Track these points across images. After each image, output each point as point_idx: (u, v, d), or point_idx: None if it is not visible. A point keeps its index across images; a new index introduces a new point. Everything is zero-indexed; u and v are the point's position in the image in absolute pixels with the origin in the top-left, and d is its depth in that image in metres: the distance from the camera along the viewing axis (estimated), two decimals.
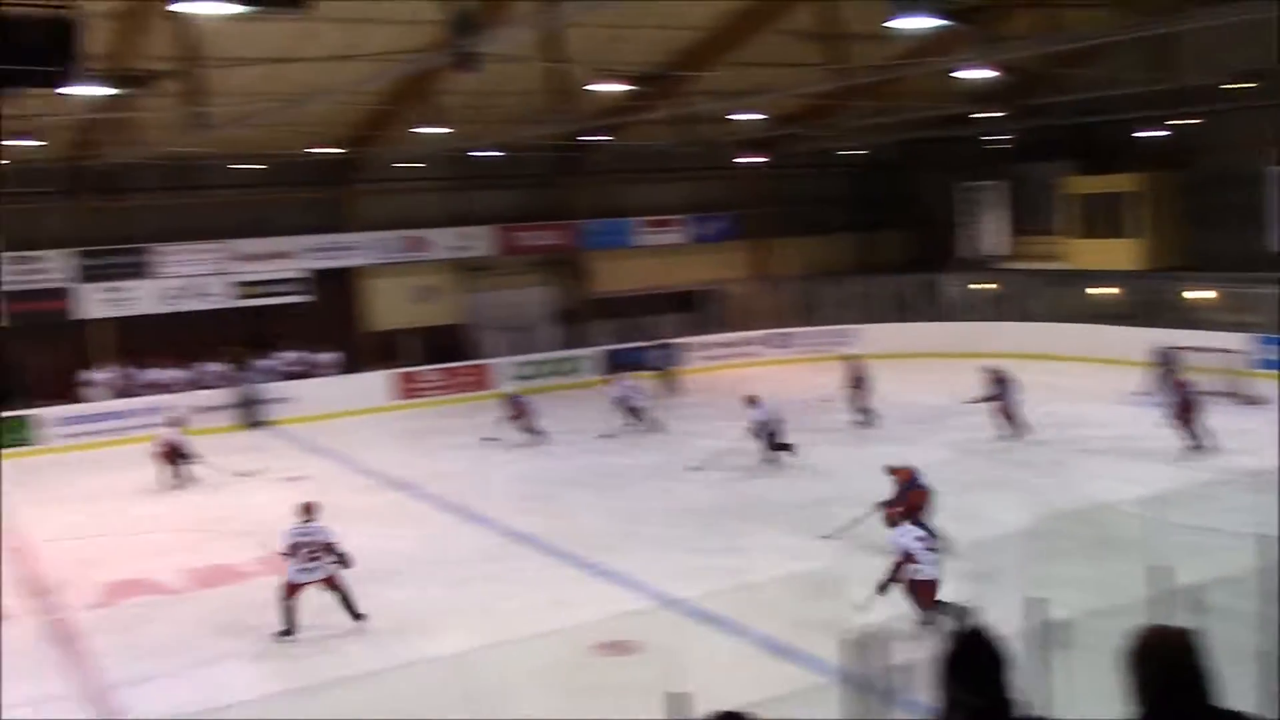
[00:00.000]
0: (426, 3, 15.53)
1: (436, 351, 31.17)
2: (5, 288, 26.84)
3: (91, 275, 27.87)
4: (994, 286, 32.97)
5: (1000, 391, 20.92)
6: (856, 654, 7.32)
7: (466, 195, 32.79)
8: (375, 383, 29.21)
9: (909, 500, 13.59)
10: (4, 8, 10.54)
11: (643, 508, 17.78)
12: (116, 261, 28.17)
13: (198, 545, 16.69)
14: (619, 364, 30.34)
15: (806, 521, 15.77)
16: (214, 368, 27.99)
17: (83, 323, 28.07)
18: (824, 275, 34.64)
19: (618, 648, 11.48)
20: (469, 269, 33.11)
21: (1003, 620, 4.95)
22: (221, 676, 11.74)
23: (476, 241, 32.56)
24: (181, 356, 27.97)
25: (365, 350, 31.09)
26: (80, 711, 11.08)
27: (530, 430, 23.19)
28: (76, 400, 26.82)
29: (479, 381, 29.44)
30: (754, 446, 19.78)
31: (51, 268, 27.52)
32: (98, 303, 27.98)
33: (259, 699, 10.77)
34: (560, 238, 33.88)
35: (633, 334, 32.15)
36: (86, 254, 27.90)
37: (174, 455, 21.19)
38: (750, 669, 11.08)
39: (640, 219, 35.00)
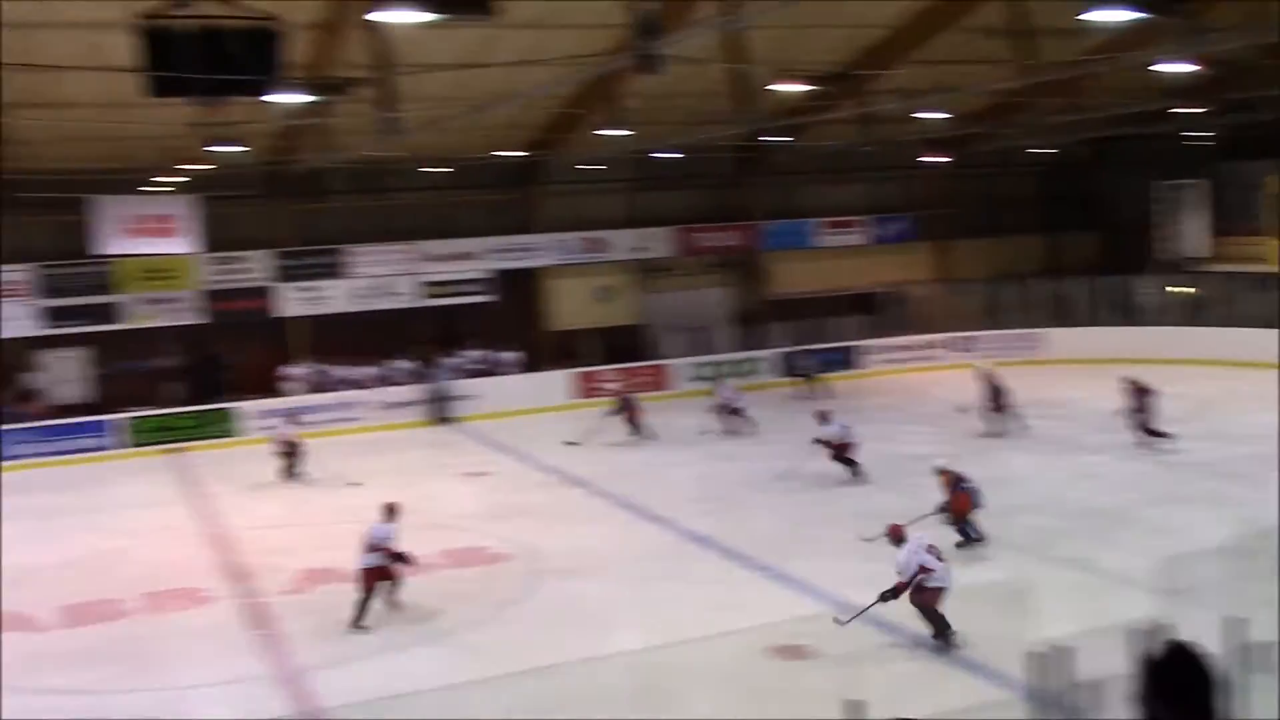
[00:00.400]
0: (610, 5, 15.70)
1: (615, 351, 31.51)
2: (211, 287, 28.30)
3: (289, 275, 29.11)
4: (1192, 290, 31.53)
5: (1139, 403, 20.31)
6: (1041, 669, 7.08)
7: (646, 196, 33.07)
8: (555, 381, 29.68)
9: (956, 503, 14.67)
10: (212, 20, 11.07)
11: (821, 511, 17.59)
12: (312, 262, 29.36)
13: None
14: (791, 366, 30.21)
15: (991, 530, 15.36)
16: (402, 365, 28.88)
17: (281, 320, 29.34)
18: (1008, 278, 33.68)
19: (792, 652, 11.39)
20: (648, 270, 33.38)
21: (1199, 640, 4.72)
22: (407, 663, 12.10)
23: (655, 243, 32.78)
24: (372, 354, 28.95)
25: (546, 349, 31.66)
26: (274, 692, 11.55)
27: (636, 428, 23.85)
28: (274, 394, 28.02)
29: (656, 382, 29.60)
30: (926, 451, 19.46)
31: (252, 268, 28.85)
32: (294, 301, 29.21)
33: (443, 687, 11.06)
34: (739, 239, 33.83)
35: (811, 336, 31.89)
36: (284, 255, 29.17)
37: (291, 453, 21.98)
38: (928, 680, 10.85)
39: (820, 220, 34.68)
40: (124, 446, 25.87)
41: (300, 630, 13.34)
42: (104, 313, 27.52)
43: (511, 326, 30.96)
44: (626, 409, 24.29)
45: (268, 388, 28.21)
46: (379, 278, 29.85)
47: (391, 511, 13.96)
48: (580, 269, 32.27)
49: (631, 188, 32.87)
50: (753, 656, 11.29)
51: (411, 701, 10.64)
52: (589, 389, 29.77)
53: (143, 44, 10.94)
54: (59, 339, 27.62)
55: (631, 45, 13.58)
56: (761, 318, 33.58)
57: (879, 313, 33.62)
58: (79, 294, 27.30)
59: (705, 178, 33.15)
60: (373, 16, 13.76)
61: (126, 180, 26.28)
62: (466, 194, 31.13)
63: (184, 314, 28.24)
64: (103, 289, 27.46)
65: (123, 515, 19.82)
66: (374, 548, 13.54)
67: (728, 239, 33.75)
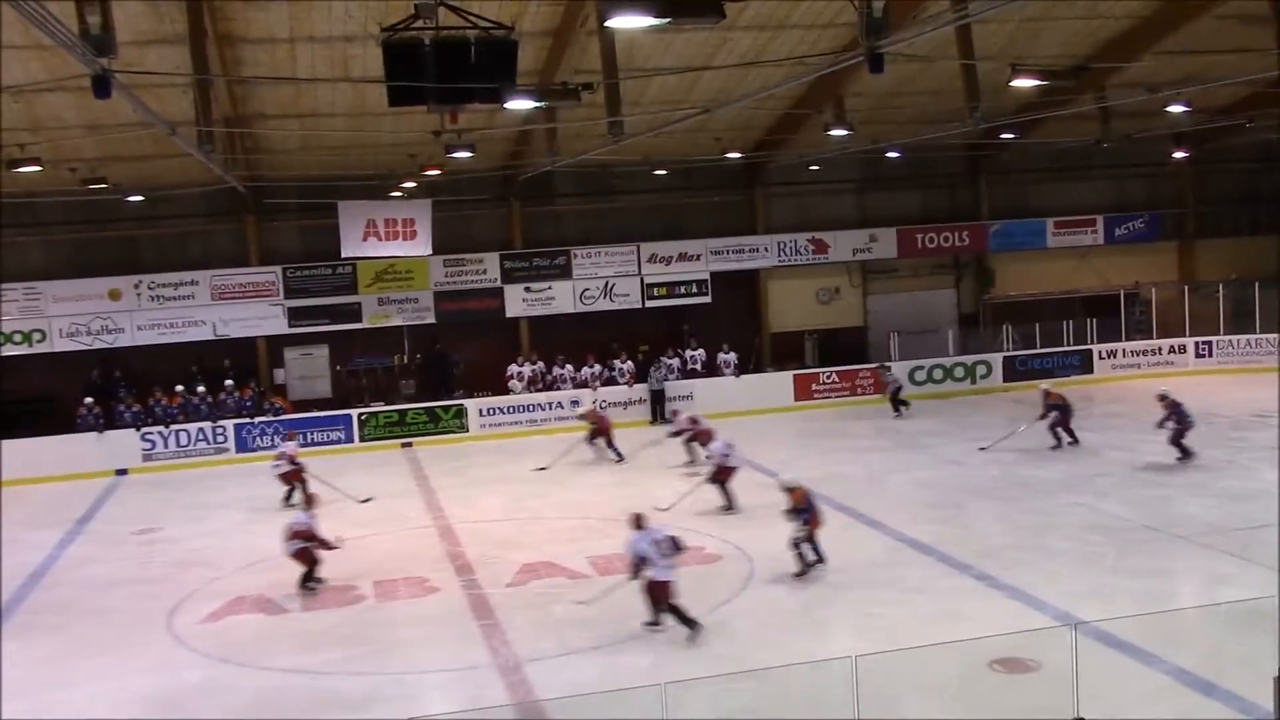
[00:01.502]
0: (837, 5, 15.55)
1: (836, 353, 31.17)
2: (443, 288, 29.39)
3: (517, 276, 29.95)
4: None
5: (1172, 417, 19.93)
6: None
7: (872, 196, 32.61)
8: (776, 383, 29.58)
9: (814, 522, 14.86)
10: (451, 31, 11.48)
11: (1049, 521, 16.95)
12: (539, 263, 30.11)
13: (605, 534, 17.50)
14: (1021, 371, 29.28)
15: (1232, 546, 14.50)
16: (624, 365, 29.30)
17: (509, 320, 30.21)
18: (1258, 280, 31.70)
19: (1015, 666, 11.02)
20: (872, 271, 32.89)
21: None
22: (623, 660, 12.26)
23: (880, 243, 32.25)
24: (595, 354, 29.48)
25: (767, 351, 31.60)
26: (496, 682, 11.88)
27: (611, 446, 23.55)
28: (501, 392, 28.87)
29: (879, 385, 29.12)
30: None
31: (484, 269, 29.81)
32: (522, 302, 30.03)
33: (658, 685, 11.15)
34: (967, 239, 32.94)
35: (1041, 340, 30.83)
36: (513, 256, 30.03)
37: None
38: (1163, 702, 10.32)
39: (1052, 219, 33.43)
40: (360, 440, 27.14)
41: (520, 623, 13.69)
42: (346, 312, 28.95)
43: (733, 327, 31.02)
44: (600, 430, 23.91)
45: (495, 386, 29.09)
46: (604, 279, 30.39)
47: (310, 502, 16.66)
48: (803, 270, 32.05)
49: (857, 188, 32.48)
50: (975, 669, 10.97)
51: (627, 698, 10.76)
52: (809, 391, 29.55)
53: (386, 55, 11.44)
54: (303, 337, 29.20)
55: (858, 43, 13.40)
56: (988, 320, 32.65)
57: (1115, 316, 32.17)
58: (323, 294, 28.81)
59: (933, 177, 32.45)
60: (604, 22, 13.98)
61: (369, 186, 27.56)
62: (691, 195, 31.35)
63: (419, 313, 29.43)
64: (345, 290, 28.89)
65: (357, 506, 20.77)
66: (295, 534, 15.39)
67: (954, 240, 32.92)
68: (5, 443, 24.62)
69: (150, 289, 27.99)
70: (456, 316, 29.61)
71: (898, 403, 27.66)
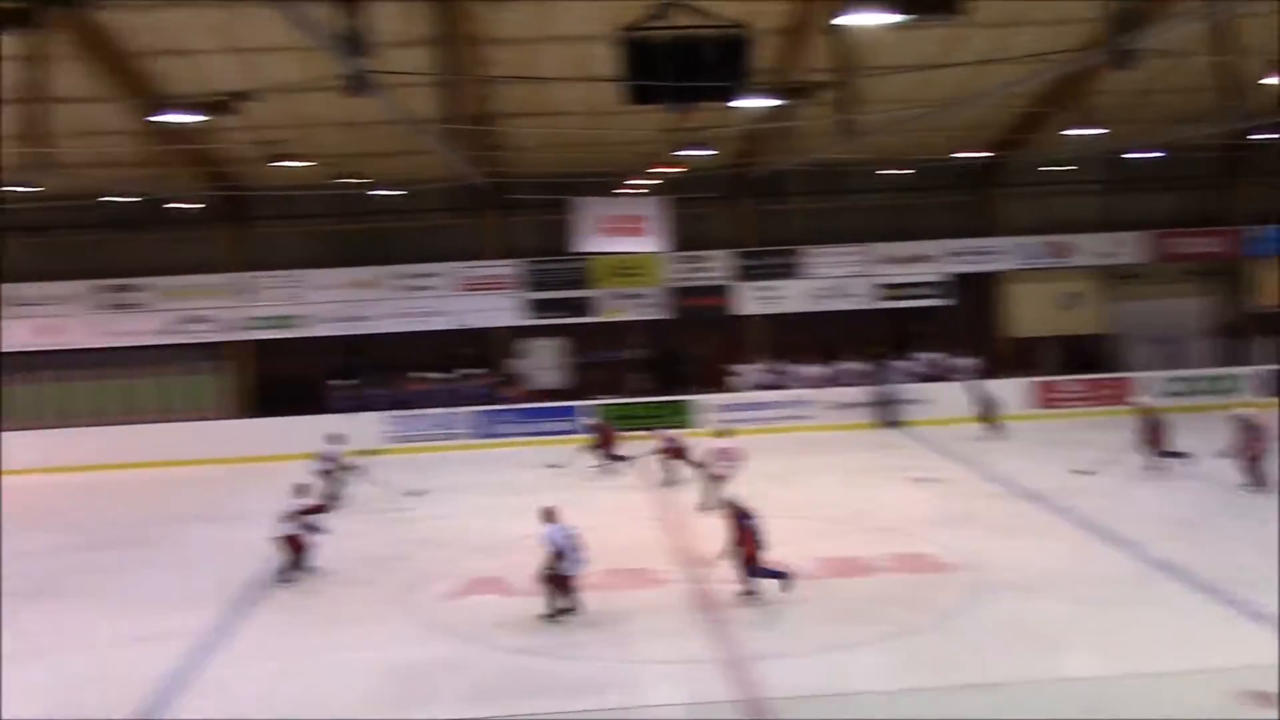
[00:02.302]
0: (1081, 1, 14.99)
1: (1078, 361, 30.02)
2: (675, 284, 29.73)
3: (748, 274, 30.03)
4: None
5: (1247, 440, 19.19)
6: None
7: (1118, 199, 31.25)
8: (1012, 390, 28.67)
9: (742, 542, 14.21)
10: (686, 30, 11.61)
11: None
12: (770, 262, 30.10)
13: (831, 535, 17.37)
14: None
15: None
16: (853, 366, 28.97)
17: (738, 318, 30.31)
18: None
19: (1267, 700, 10.37)
20: (1117, 276, 31.51)
21: None
22: (849, 663, 12.13)
23: (1127, 248, 30.88)
24: (823, 354, 29.26)
25: (1004, 356, 30.68)
26: (720, 677, 11.95)
27: (611, 457, 23.21)
28: (727, 389, 28.96)
29: (1121, 395, 27.90)
30: None
31: (714, 266, 30.01)
32: (752, 300, 30.08)
33: (884, 691, 11.03)
34: (1221, 245, 31.19)
35: None
36: (744, 254, 30.12)
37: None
38: None
39: None
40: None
41: (745, 619, 13.72)
42: (580, 306, 29.64)
43: (967, 332, 30.26)
44: (603, 439, 23.70)
45: (721, 383, 29.23)
46: (834, 279, 30.13)
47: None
48: (1043, 274, 30.99)
49: (1102, 189, 31.19)
50: (1222, 700, 10.40)
51: (853, 702, 10.69)
52: (1047, 399, 28.57)
53: (622, 55, 11.65)
54: (539, 329, 30.04)
55: (1106, 40, 12.88)
56: (1244, 331, 30.82)
57: None
58: (558, 288, 29.57)
59: (1185, 179, 30.84)
60: (840, 21, 13.86)
61: (604, 183, 28.13)
62: (925, 196, 30.77)
63: (650, 309, 29.85)
64: (579, 284, 29.58)
65: (590, 495, 21.21)
66: (290, 516, 16.18)
67: (1208, 245, 31.22)
68: (265, 420, 26.29)
69: (397, 279, 29.34)
70: (687, 313, 29.91)
71: (987, 420, 26.25)
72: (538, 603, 14.56)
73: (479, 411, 27.74)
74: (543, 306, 29.64)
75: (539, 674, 12.28)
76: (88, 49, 20.17)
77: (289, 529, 16.50)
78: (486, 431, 27.61)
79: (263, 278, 29.25)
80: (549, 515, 14.14)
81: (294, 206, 28.55)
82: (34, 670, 13.14)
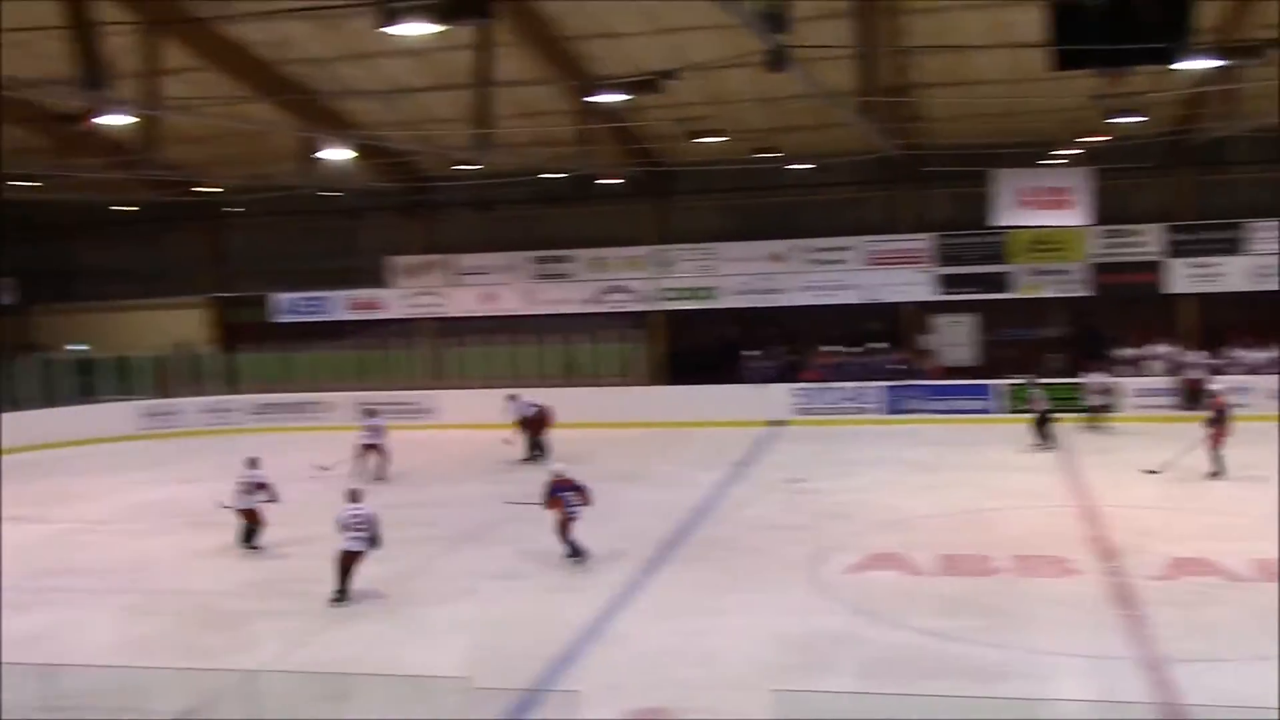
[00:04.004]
0: None
1: None
2: (1098, 260, 28.16)
3: (1181, 250, 27.96)
4: None
5: None
6: None
7: None
8: None
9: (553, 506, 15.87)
10: None
11: None
12: (1208, 237, 27.86)
13: (1266, 535, 15.95)
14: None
15: None
16: None
17: (1168, 296, 28.32)
18: None
19: None
20: None
21: None
22: (1271, 676, 11.13)
23: None
24: (1266, 337, 26.83)
25: None
26: (1135, 677, 11.29)
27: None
28: (1144, 372, 27.22)
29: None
30: None
31: (1143, 241, 28.15)
32: (1185, 277, 27.99)
33: None
34: None
35: None
36: (1178, 229, 28.04)
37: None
38: None
39: None
40: (1004, 411, 26.82)
41: (1166, 619, 12.87)
42: (994, 281, 28.69)
43: None
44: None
45: (1137, 365, 27.51)
46: None
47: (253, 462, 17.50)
48: None
49: None
50: None
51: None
52: None
53: (1052, 17, 11.12)
54: (950, 304, 29.36)
55: None
56: None
57: None
58: (973, 263, 28.75)
59: None
60: None
61: (1024, 153, 27.02)
62: None
63: (1070, 286, 28.45)
64: (995, 259, 28.62)
65: (998, 477, 20.59)
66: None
67: None
68: (678, 388, 27.37)
69: (807, 253, 29.57)
70: (1110, 290, 28.26)
71: (1043, 429, 23.49)
72: (940, 582, 14.35)
73: (888, 386, 27.53)
74: (955, 282, 28.93)
75: (939, 655, 12.08)
76: (528, 35, 21.61)
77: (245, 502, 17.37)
78: (895, 407, 27.37)
79: (679, 250, 30.35)
80: (353, 496, 15.05)
81: (710, 181, 29.38)
82: (462, 609, 14.38)
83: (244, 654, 12.62)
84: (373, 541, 14.71)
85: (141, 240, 34.32)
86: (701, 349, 30.37)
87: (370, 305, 32.31)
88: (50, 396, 29.83)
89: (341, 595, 14.60)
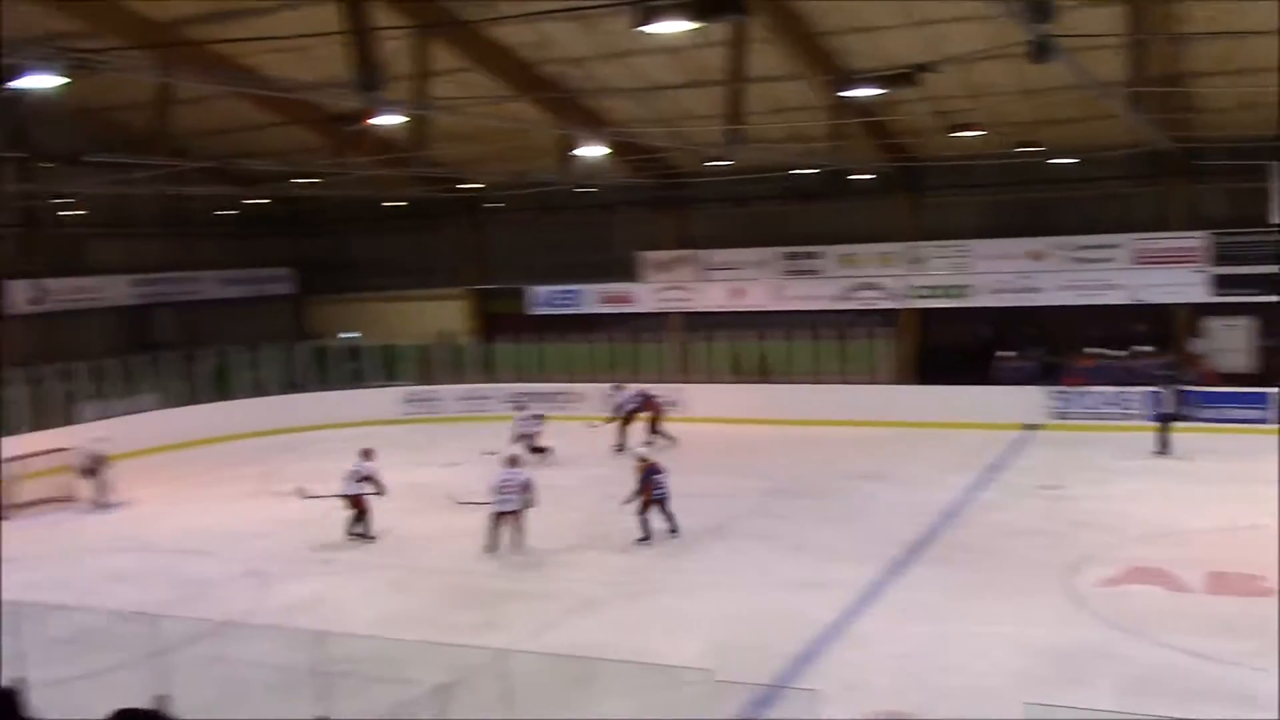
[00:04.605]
0: None
1: None
2: None
3: None
4: None
5: None
6: None
7: None
8: None
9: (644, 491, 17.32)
10: None
11: None
12: None
13: None
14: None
15: None
16: None
17: None
18: None
19: None
20: None
21: None
22: None
23: None
24: None
25: None
26: None
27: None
28: None
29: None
30: None
31: None
32: None
33: None
34: None
35: None
36: None
37: None
38: None
39: None
40: None
41: None
42: (1276, 283, 26.82)
43: None
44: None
45: None
46: None
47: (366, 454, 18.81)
48: None
49: None
50: None
51: None
52: None
53: None
54: (1226, 306, 27.61)
55: None
56: None
57: None
58: (1251, 263, 26.93)
59: None
60: None
61: None
62: None
63: None
64: (1275, 258, 26.75)
65: (1273, 491, 19.31)
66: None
67: None
68: (929, 388, 26.79)
69: (1067, 250, 28.39)
70: None
71: (1165, 432, 23.07)
72: (1207, 600, 13.60)
73: (1154, 392, 26.15)
74: (1231, 282, 27.14)
75: (1205, 677, 11.46)
76: (782, 31, 21.56)
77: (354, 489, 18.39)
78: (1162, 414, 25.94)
79: (932, 247, 29.67)
80: (511, 462, 17.62)
81: (965, 176, 28.58)
82: (706, 601, 14.51)
83: (496, 633, 13.12)
84: (526, 503, 17.14)
85: (409, 234, 36.03)
86: (953, 348, 29.61)
87: (621, 299, 32.95)
88: (324, 380, 31.77)
89: (492, 547, 17.03)
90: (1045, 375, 27.58)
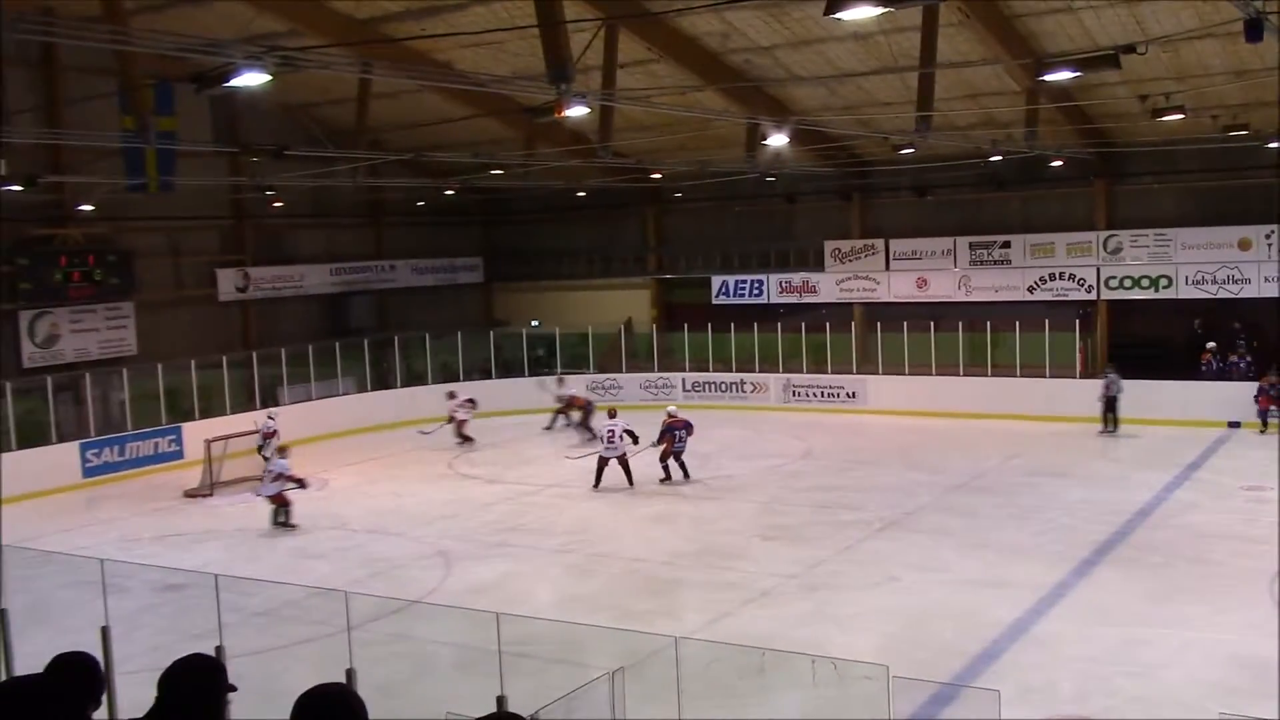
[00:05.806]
0: None
1: None
2: None
3: None
4: None
5: None
6: None
7: None
8: None
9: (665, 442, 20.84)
10: None
11: None
12: None
13: None
14: None
15: None
16: None
17: None
18: None
19: None
20: None
21: None
22: None
23: None
24: None
25: None
26: None
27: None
28: None
29: None
30: None
31: None
32: None
33: None
34: None
35: None
36: None
37: None
38: None
39: None
40: None
41: None
42: None
43: None
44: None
45: None
46: None
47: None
48: None
49: None
50: None
51: None
52: None
53: None
54: None
55: None
56: None
57: None
58: None
59: None
60: None
61: None
62: None
63: None
64: None
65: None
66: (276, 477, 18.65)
67: None
68: (1124, 382, 25.72)
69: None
70: None
71: (1109, 414, 24.46)
72: None
73: None
74: None
75: None
76: (975, 14, 20.98)
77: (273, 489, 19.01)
78: None
79: (1131, 235, 28.44)
80: (611, 413, 21.35)
81: (1168, 161, 27.31)
82: (883, 596, 14.33)
83: (671, 619, 13.21)
84: (634, 441, 20.57)
85: (594, 224, 36.48)
86: (1151, 341, 28.38)
87: (803, 288, 32.65)
88: (509, 367, 32.45)
89: (596, 485, 20.11)
90: (1252, 371, 26.17)
